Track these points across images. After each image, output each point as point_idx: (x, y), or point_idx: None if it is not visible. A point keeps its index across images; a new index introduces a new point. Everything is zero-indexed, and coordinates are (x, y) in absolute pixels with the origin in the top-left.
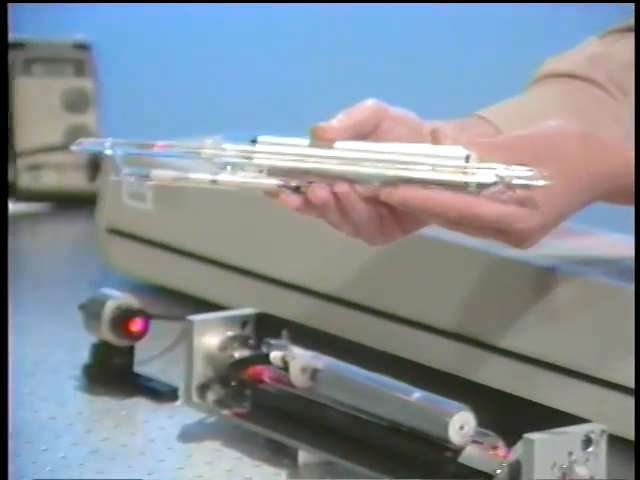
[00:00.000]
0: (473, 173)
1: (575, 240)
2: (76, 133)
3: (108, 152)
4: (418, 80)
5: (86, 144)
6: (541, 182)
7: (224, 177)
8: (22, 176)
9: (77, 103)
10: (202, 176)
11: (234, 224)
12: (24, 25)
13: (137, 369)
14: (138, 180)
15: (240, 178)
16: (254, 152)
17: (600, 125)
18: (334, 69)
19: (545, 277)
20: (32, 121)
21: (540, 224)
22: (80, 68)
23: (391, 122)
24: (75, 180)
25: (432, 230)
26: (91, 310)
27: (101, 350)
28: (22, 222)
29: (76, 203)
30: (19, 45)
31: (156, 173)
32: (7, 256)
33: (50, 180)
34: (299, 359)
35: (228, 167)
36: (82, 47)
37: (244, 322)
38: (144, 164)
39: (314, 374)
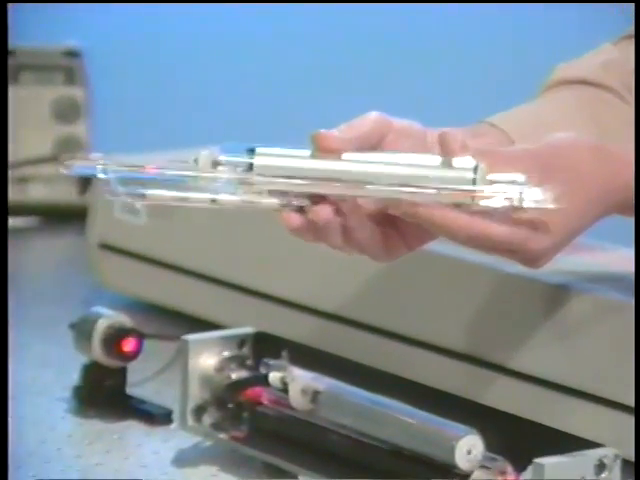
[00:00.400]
0: (482, 197)
1: (586, 255)
2: (66, 144)
3: (101, 175)
4: (426, 86)
5: (77, 166)
6: (553, 205)
7: (224, 196)
8: (9, 189)
9: (67, 113)
10: (201, 195)
11: (231, 239)
12: (12, 31)
13: (130, 391)
14: (134, 200)
15: (240, 197)
16: (253, 167)
17: (615, 132)
18: (336, 78)
19: (556, 294)
20: (20, 131)
21: (552, 244)
22: (70, 76)
23: (395, 135)
24: (65, 193)
25: (437, 246)
26: (82, 329)
27: (92, 371)
28: (9, 237)
29: (66, 217)
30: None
31: (153, 192)
32: (7, 277)
33: (39, 193)
34: (299, 380)
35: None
36: (72, 54)
37: (242, 342)
38: (140, 180)
39: (315, 396)
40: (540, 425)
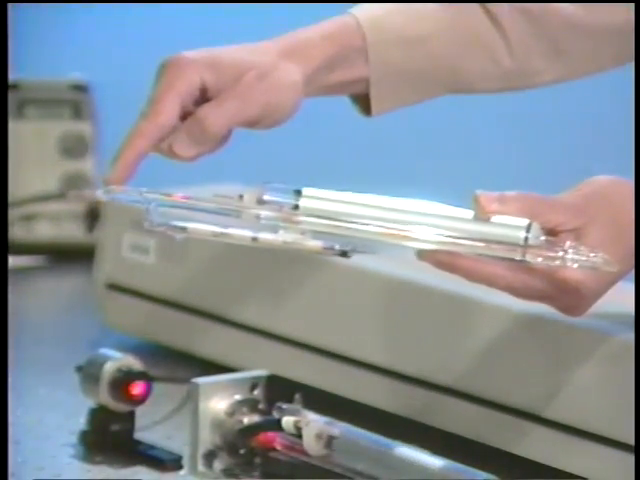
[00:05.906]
0: (534, 254)
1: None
2: (73, 181)
3: (140, 203)
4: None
5: (117, 193)
6: (605, 269)
7: (266, 235)
8: (15, 227)
9: (74, 148)
10: (243, 233)
11: (243, 279)
12: (17, 64)
13: (138, 436)
14: (174, 232)
15: (282, 237)
16: (298, 208)
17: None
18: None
19: (581, 335)
20: (25, 168)
21: (592, 293)
22: (77, 110)
23: None
24: (72, 231)
25: (452, 285)
26: (89, 372)
27: (99, 415)
28: (15, 277)
29: (73, 256)
30: (11, 86)
31: (194, 227)
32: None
33: (45, 231)
34: (313, 425)
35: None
36: (79, 88)
37: (254, 385)
38: (171, 215)
39: (330, 441)
40: (562, 472)
